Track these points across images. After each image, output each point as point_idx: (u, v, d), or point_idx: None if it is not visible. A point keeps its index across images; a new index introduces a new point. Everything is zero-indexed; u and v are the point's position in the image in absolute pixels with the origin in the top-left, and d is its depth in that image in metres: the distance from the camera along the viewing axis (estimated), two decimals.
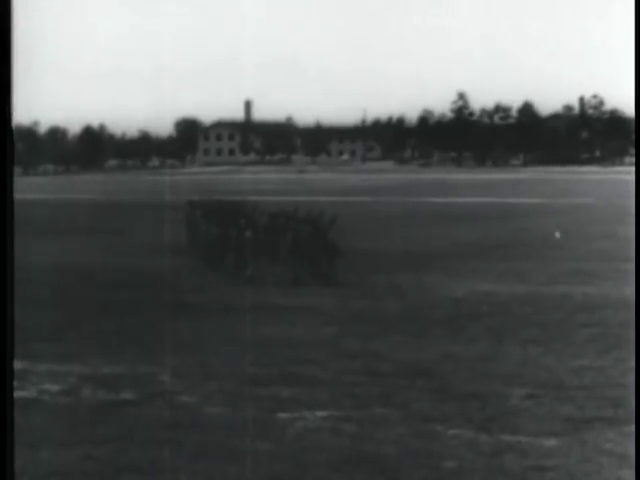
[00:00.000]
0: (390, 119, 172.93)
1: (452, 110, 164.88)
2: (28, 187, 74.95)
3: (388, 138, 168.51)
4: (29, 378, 13.47)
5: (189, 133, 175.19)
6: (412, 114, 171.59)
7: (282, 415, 11.76)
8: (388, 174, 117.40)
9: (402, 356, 14.95)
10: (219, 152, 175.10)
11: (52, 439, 10.86)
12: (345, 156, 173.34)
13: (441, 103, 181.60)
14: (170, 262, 25.76)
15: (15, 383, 6.90)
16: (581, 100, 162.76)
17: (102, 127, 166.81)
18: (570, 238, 34.41)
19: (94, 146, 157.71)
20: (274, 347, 15.61)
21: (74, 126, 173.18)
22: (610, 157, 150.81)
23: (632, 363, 13.36)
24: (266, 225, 24.35)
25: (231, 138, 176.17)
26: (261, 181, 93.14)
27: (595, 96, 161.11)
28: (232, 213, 26.54)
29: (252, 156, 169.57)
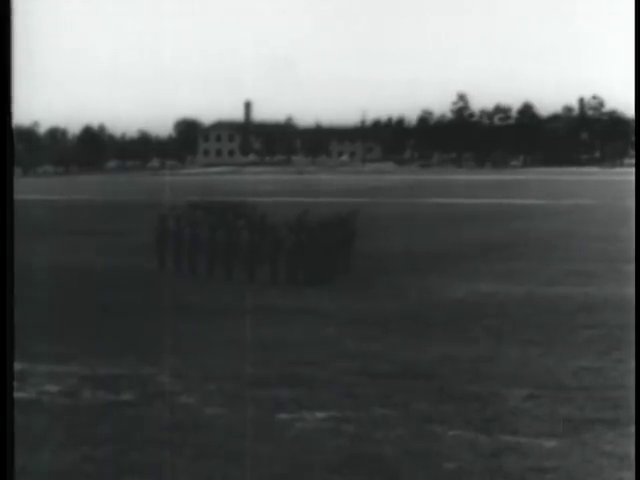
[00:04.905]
0: (390, 120, 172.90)
1: (452, 111, 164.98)
2: (28, 188, 74.93)
3: (388, 139, 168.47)
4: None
5: (189, 134, 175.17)
6: (412, 115, 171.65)
7: (282, 416, 11.76)
8: (388, 175, 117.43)
9: (402, 357, 14.95)
10: (219, 153, 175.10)
11: (52, 440, 10.85)
12: (345, 157, 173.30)
13: (440, 104, 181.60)
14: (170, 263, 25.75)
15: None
16: (581, 101, 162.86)
17: (102, 128, 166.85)
18: (570, 239, 34.41)
19: (94, 147, 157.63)
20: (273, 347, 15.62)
21: (74, 127, 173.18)
22: (610, 158, 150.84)
23: (631, 364, 13.37)
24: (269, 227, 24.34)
25: (231, 139, 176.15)
26: (261, 182, 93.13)
27: (595, 97, 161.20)
28: (231, 214, 26.52)
29: (252, 157, 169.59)
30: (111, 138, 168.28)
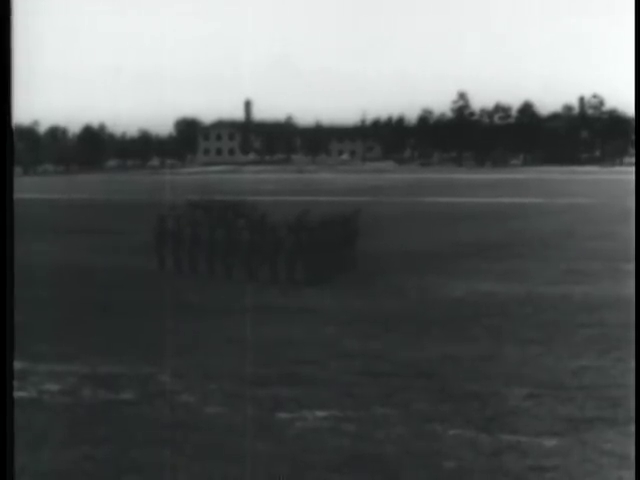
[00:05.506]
0: (390, 119, 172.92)
1: (452, 110, 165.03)
2: (28, 187, 74.91)
3: (388, 138, 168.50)
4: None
5: (189, 133, 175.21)
6: (412, 114, 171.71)
7: (282, 415, 11.77)
8: (388, 174, 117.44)
9: (402, 356, 14.95)
10: (219, 152, 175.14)
11: (52, 439, 10.85)
12: (345, 156, 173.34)
13: (440, 103, 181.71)
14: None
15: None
16: (581, 100, 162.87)
17: (102, 127, 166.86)
18: (569, 238, 34.42)
19: (94, 146, 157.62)
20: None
21: (74, 126, 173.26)
22: (610, 157, 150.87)
23: (631, 363, 13.37)
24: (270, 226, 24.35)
25: (231, 138, 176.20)
26: (261, 181, 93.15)
27: (595, 96, 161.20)
28: (231, 213, 26.54)
29: (252, 156, 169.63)
30: (111, 137, 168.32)
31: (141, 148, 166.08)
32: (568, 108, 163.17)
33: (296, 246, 23.46)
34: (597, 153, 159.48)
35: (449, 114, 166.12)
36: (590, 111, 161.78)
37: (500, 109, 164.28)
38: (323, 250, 23.81)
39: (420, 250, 30.55)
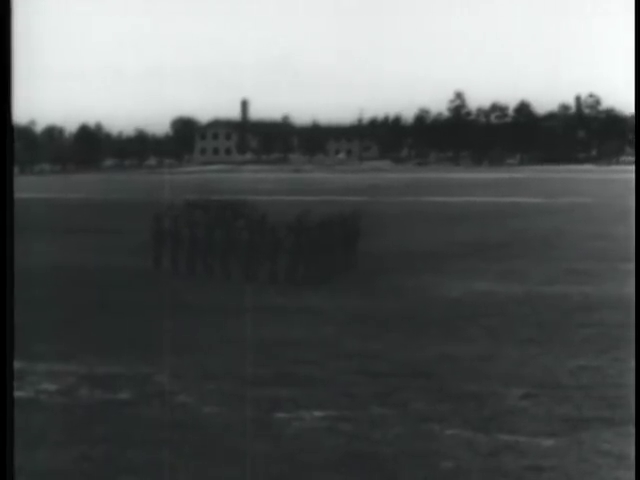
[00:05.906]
0: (387, 118, 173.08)
1: (449, 109, 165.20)
2: (24, 186, 74.84)
3: (385, 137, 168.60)
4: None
5: (186, 132, 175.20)
6: (408, 113, 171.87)
7: (280, 415, 11.77)
8: (385, 173, 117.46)
9: (400, 356, 14.96)
10: (216, 151, 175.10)
11: (50, 439, 10.85)
12: (342, 155, 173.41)
13: (437, 102, 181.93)
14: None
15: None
16: (577, 99, 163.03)
17: (99, 126, 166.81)
18: (566, 237, 34.44)
19: (91, 145, 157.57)
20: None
21: (71, 125, 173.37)
22: (606, 156, 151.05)
23: (630, 363, 13.39)
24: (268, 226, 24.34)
25: (228, 137, 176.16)
26: (259, 180, 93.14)
27: (591, 95, 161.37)
28: (229, 213, 26.54)
29: (249, 155, 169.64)
30: (108, 136, 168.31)
31: (138, 147, 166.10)
32: (565, 107, 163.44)
33: (295, 246, 23.46)
34: (594, 152, 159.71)
35: (446, 113, 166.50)
36: (587, 110, 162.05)
37: (497, 108, 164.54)
38: (322, 250, 23.81)
39: (418, 250, 30.56)
